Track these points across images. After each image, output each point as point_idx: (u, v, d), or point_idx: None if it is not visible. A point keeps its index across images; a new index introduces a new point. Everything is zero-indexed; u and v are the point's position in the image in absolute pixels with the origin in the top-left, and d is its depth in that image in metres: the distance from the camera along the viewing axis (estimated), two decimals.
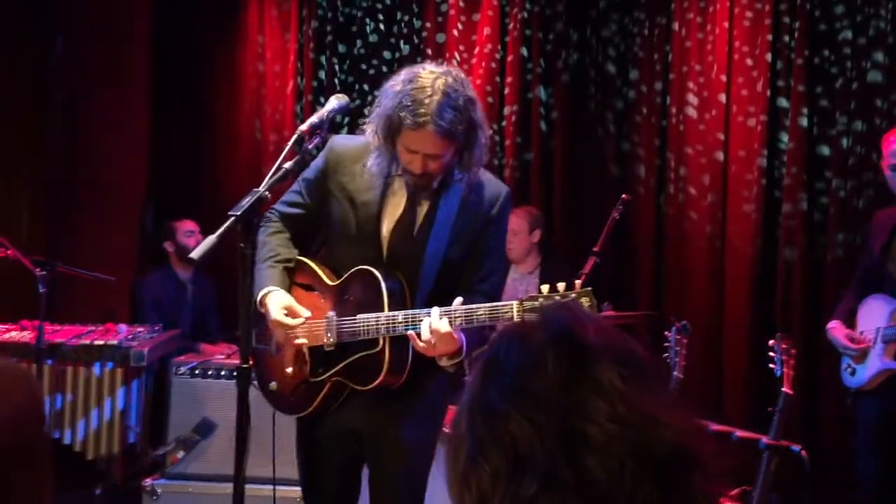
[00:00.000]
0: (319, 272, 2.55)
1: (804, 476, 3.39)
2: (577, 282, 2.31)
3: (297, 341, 2.48)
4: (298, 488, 3.31)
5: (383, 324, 2.39)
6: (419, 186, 2.45)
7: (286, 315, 2.44)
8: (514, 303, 2.31)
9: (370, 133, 2.42)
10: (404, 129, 2.34)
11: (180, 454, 3.57)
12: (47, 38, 4.90)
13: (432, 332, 2.31)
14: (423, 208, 2.49)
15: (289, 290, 2.52)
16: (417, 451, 2.53)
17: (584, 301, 2.27)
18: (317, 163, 2.55)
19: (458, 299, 2.36)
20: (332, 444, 2.55)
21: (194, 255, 2.08)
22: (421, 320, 2.34)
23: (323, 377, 2.50)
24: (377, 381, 2.43)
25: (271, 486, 3.01)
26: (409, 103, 2.31)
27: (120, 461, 3.71)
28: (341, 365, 2.47)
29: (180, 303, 4.70)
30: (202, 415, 3.63)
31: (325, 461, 2.56)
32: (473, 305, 2.35)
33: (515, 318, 2.30)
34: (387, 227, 2.49)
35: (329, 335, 2.48)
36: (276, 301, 2.45)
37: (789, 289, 4.58)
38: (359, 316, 2.43)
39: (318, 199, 2.56)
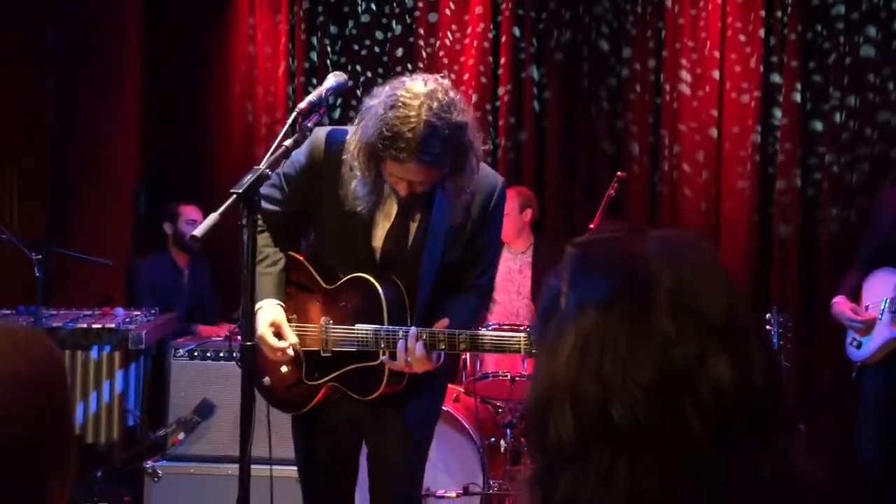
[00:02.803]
0: (314, 272, 2.50)
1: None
2: None
3: (282, 369, 2.46)
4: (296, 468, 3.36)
5: (382, 338, 2.34)
6: (408, 199, 2.36)
7: (273, 333, 2.39)
8: (522, 336, 2.25)
9: (351, 156, 2.29)
10: (387, 158, 2.22)
11: (181, 436, 3.58)
12: (39, 21, 4.85)
13: (408, 352, 2.28)
14: (416, 220, 2.41)
15: (285, 289, 2.48)
16: (417, 433, 2.53)
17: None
18: (299, 160, 2.43)
19: (444, 321, 2.32)
20: (331, 430, 2.54)
21: (197, 232, 2.07)
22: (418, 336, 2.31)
23: (318, 382, 2.47)
24: (376, 394, 2.41)
25: (268, 466, 3.03)
26: (390, 135, 2.15)
27: (120, 444, 3.71)
28: (338, 373, 2.45)
29: (177, 286, 4.69)
30: (201, 396, 3.63)
31: (323, 447, 2.55)
32: (482, 332, 2.33)
33: (522, 352, 2.27)
34: (379, 236, 2.42)
35: (324, 342, 2.44)
36: (266, 316, 2.40)
37: (784, 265, 4.60)
38: (357, 326, 2.39)
39: (300, 199, 2.47)
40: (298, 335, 2.46)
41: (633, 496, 0.78)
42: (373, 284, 2.38)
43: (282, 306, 2.46)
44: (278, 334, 2.41)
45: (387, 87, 2.24)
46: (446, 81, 2.27)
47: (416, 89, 2.19)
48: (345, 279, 2.44)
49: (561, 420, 0.81)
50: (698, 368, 0.79)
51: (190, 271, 4.77)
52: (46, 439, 0.90)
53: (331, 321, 2.44)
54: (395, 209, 2.40)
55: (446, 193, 2.35)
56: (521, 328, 3.79)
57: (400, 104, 2.17)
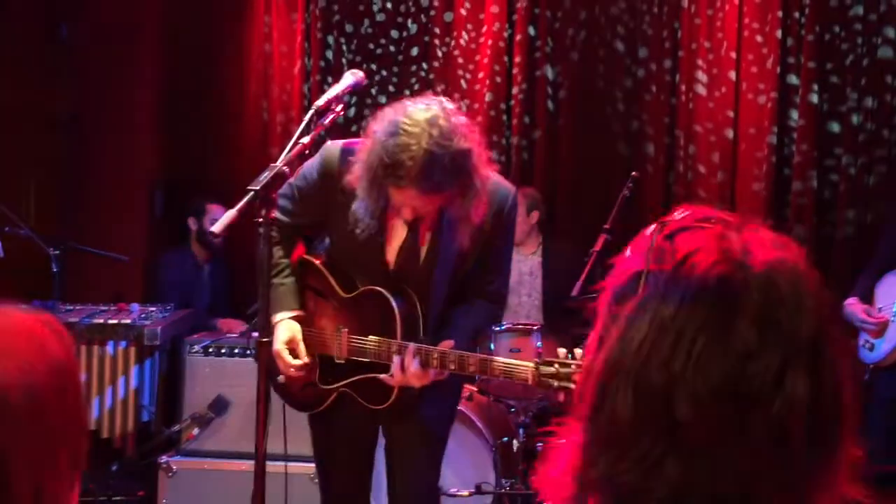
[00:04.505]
0: (331, 280, 2.52)
1: None
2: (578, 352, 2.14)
3: (293, 373, 2.45)
4: (311, 464, 3.37)
5: (395, 352, 2.35)
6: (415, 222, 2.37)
7: (289, 350, 2.42)
8: (530, 366, 2.21)
9: (354, 178, 2.29)
10: (389, 185, 2.22)
11: (195, 431, 3.59)
12: (54, 18, 4.88)
13: (403, 370, 2.29)
14: (426, 241, 2.42)
15: (301, 292, 2.51)
16: (434, 431, 2.55)
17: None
18: (311, 174, 2.44)
19: (450, 342, 2.32)
20: (348, 428, 2.56)
21: (215, 228, 2.09)
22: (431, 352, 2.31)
23: (332, 386, 2.50)
24: (387, 404, 2.42)
25: (283, 463, 3.04)
26: (391, 162, 2.15)
27: (134, 439, 3.73)
28: (351, 380, 2.47)
29: (198, 283, 4.71)
30: (216, 392, 3.65)
31: (340, 442, 2.58)
32: (491, 358, 2.31)
33: (530, 383, 2.20)
34: (391, 253, 2.44)
35: (339, 350, 2.47)
36: (283, 334, 2.43)
37: None
38: (370, 338, 2.41)
39: (313, 211, 2.49)
40: (315, 339, 2.49)
41: (677, 490, 0.76)
42: (387, 299, 2.39)
43: (298, 316, 2.49)
44: (294, 352, 2.43)
45: (389, 111, 2.23)
46: (450, 105, 2.25)
47: (417, 116, 2.18)
48: (361, 290, 2.46)
49: (621, 399, 0.79)
50: (776, 384, 0.77)
51: (210, 267, 4.79)
52: (59, 423, 0.90)
53: (346, 330, 2.46)
54: (404, 229, 2.41)
55: (453, 216, 2.34)
56: (535, 328, 3.79)
57: (401, 131, 2.16)
